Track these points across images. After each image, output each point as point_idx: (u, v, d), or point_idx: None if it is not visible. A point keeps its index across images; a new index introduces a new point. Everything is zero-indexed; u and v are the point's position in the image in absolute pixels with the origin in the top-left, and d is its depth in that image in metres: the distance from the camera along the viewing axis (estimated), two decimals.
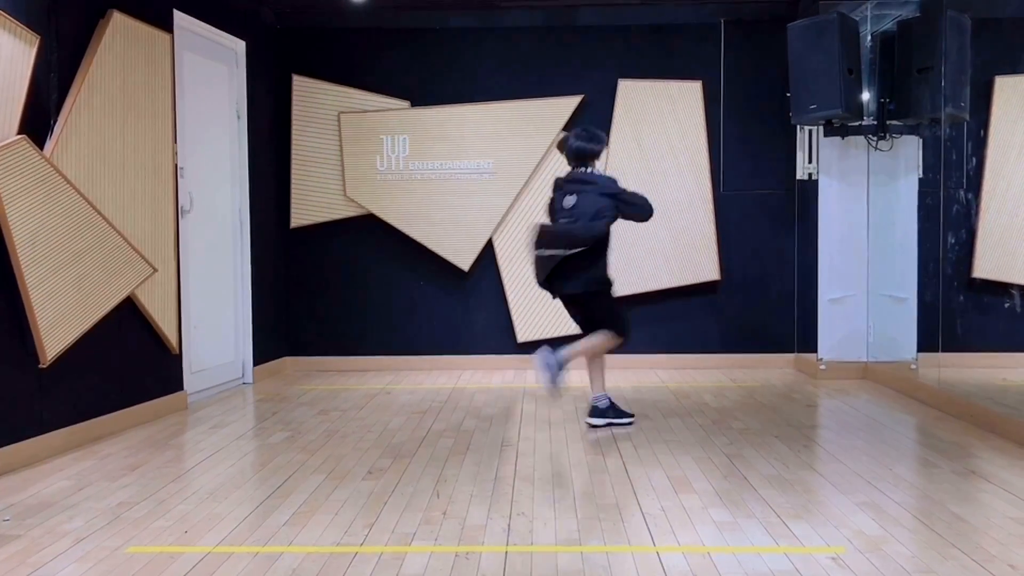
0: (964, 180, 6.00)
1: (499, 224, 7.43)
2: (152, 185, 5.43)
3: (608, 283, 5.19)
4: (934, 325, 5.92)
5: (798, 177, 7.26)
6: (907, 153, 6.58)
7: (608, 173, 5.42)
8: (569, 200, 5.11)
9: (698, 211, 7.41)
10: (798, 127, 7.05)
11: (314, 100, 7.52)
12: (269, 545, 3.22)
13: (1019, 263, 5.88)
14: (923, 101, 6.07)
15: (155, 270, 5.36)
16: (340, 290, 7.61)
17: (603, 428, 5.11)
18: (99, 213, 4.87)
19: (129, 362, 5.28)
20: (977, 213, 6.03)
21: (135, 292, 5.22)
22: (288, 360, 7.55)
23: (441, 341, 7.58)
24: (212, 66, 6.43)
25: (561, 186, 5.23)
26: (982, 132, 5.99)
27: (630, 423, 5.19)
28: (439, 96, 7.49)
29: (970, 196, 6.00)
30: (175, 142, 5.71)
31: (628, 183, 7.36)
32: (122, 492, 3.91)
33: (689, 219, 7.41)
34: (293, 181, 7.52)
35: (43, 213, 4.45)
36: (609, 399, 5.24)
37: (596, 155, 5.22)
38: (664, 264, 7.41)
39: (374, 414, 5.61)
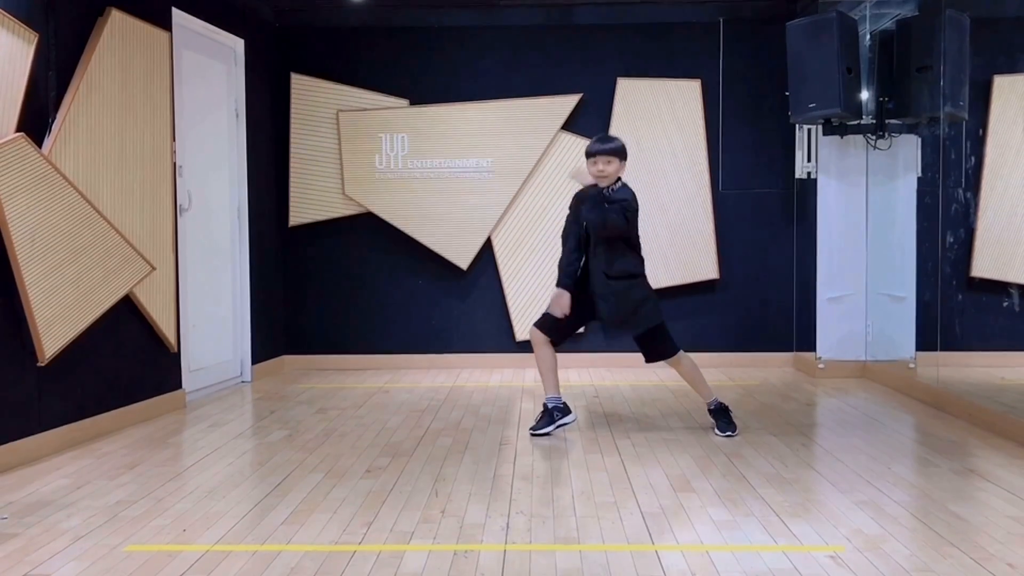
0: (963, 179, 6.00)
1: (498, 222, 7.42)
2: (151, 183, 5.43)
3: None
4: (933, 324, 5.92)
5: (797, 176, 7.26)
6: (906, 152, 6.58)
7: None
8: None
9: (697, 210, 7.40)
10: (797, 126, 7.05)
11: (313, 98, 7.51)
12: (267, 543, 3.21)
13: (1017, 262, 5.88)
14: (922, 100, 6.08)
15: (153, 268, 5.35)
16: (339, 288, 7.60)
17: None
18: (97, 211, 4.87)
19: (127, 360, 5.27)
20: (976, 212, 6.03)
21: (133, 290, 5.21)
22: (287, 358, 7.55)
23: (439, 340, 7.58)
24: (211, 64, 6.42)
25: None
26: (981, 131, 5.99)
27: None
28: (438, 94, 7.48)
29: (969, 195, 6.00)
30: (174, 140, 5.70)
31: (628, 182, 7.42)
32: (120, 490, 3.90)
33: (688, 218, 7.40)
34: (292, 179, 7.52)
35: (41, 211, 4.44)
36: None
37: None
38: (663, 263, 7.40)
39: (372, 412, 5.61)
